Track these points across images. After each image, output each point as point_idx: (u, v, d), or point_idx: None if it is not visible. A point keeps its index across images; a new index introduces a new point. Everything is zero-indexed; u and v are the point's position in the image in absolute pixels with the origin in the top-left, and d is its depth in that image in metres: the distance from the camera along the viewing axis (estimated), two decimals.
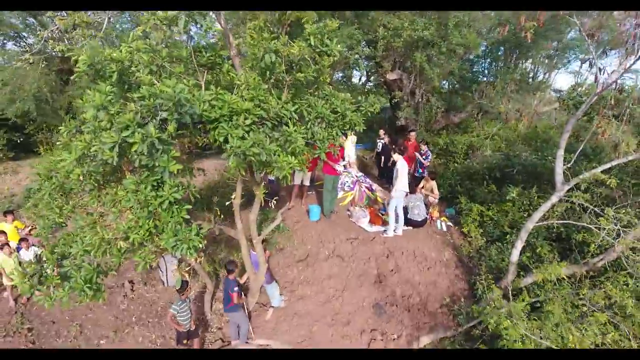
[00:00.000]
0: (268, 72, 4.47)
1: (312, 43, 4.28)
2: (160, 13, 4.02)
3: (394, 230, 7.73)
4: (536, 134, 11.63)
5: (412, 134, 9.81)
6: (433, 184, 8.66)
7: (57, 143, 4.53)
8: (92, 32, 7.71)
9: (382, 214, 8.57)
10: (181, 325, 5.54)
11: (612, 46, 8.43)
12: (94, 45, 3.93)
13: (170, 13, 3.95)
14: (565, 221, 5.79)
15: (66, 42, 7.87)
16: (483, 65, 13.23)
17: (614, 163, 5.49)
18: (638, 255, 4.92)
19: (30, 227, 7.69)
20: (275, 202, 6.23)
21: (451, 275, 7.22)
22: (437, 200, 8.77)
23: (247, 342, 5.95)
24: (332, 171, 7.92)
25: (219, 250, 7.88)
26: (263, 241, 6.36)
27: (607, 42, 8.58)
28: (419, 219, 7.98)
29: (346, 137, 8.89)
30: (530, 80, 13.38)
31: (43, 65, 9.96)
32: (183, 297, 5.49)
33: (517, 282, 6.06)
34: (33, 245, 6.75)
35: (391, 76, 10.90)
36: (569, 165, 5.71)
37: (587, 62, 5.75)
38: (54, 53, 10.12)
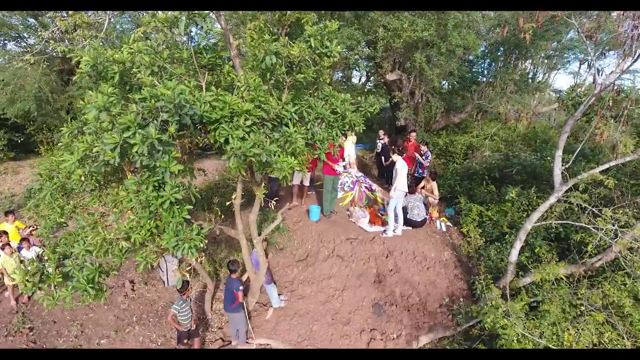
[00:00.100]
0: (268, 74, 4.50)
1: (312, 45, 4.31)
2: (160, 14, 4.05)
3: (394, 231, 7.76)
4: (535, 135, 11.67)
5: (412, 134, 9.84)
6: (434, 184, 8.69)
7: (59, 144, 4.57)
8: (92, 32, 7.75)
9: (382, 214, 8.60)
10: (182, 324, 5.57)
11: (610, 47, 8.46)
12: (96, 46, 3.94)
13: (171, 15, 3.98)
14: (563, 221, 5.82)
15: (67, 42, 7.92)
16: (483, 65, 13.26)
17: (611, 164, 5.52)
18: (636, 255, 4.95)
19: (31, 227, 7.73)
20: (275, 202, 6.26)
21: (450, 275, 7.26)
22: (437, 201, 8.81)
23: (247, 342, 5.98)
24: (332, 171, 7.95)
25: (220, 250, 7.91)
26: (263, 241, 6.40)
27: (606, 43, 8.60)
28: (419, 219, 8.01)
29: (346, 138, 8.93)
30: (530, 80, 13.41)
31: (44, 66, 10.01)
32: (184, 297, 5.52)
33: (515, 282, 6.10)
34: (34, 245, 6.79)
35: (391, 77, 10.94)
36: (567, 166, 5.73)
37: (586, 63, 5.78)
38: (54, 53, 10.15)
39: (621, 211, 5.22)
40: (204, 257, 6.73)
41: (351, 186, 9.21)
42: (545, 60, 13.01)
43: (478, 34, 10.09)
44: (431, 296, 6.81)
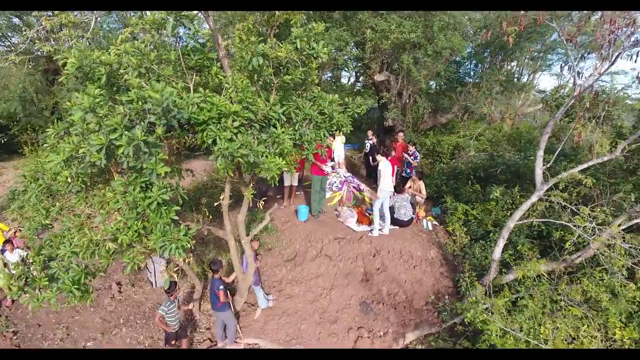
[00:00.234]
0: (256, 75, 4.54)
1: (299, 46, 4.36)
2: (148, 15, 4.05)
3: (380, 230, 7.86)
4: (520, 135, 11.92)
5: (400, 134, 9.97)
6: (421, 184, 8.81)
7: (44, 145, 4.52)
8: (79, 32, 7.66)
9: (370, 214, 8.69)
10: (170, 326, 5.56)
11: (590, 50, 8.70)
12: (82, 47, 3.91)
13: (158, 16, 3.98)
14: (545, 219, 5.99)
15: (52, 42, 7.80)
16: (469, 66, 13.49)
17: (590, 164, 5.71)
18: (613, 252, 5.12)
19: (15, 230, 7.60)
20: (263, 202, 6.29)
21: (436, 273, 7.39)
22: (423, 200, 8.94)
23: (235, 342, 6.00)
24: (320, 172, 8.02)
25: (208, 251, 7.90)
26: (255, 241, 6.43)
27: (586, 46, 8.84)
28: (405, 219, 8.13)
29: (334, 138, 9.00)
30: (515, 81, 13.68)
31: (29, 66, 9.84)
32: (171, 298, 5.51)
33: (499, 279, 6.25)
34: (18, 247, 6.68)
35: (379, 77, 11.07)
36: (548, 165, 5.90)
37: (567, 66, 5.96)
38: (39, 53, 9.99)
39: (599, 209, 5.40)
40: (191, 258, 6.71)
41: (339, 186, 9.29)
42: (530, 62, 13.30)
43: (465, 35, 10.27)
44: (417, 294, 6.93)
